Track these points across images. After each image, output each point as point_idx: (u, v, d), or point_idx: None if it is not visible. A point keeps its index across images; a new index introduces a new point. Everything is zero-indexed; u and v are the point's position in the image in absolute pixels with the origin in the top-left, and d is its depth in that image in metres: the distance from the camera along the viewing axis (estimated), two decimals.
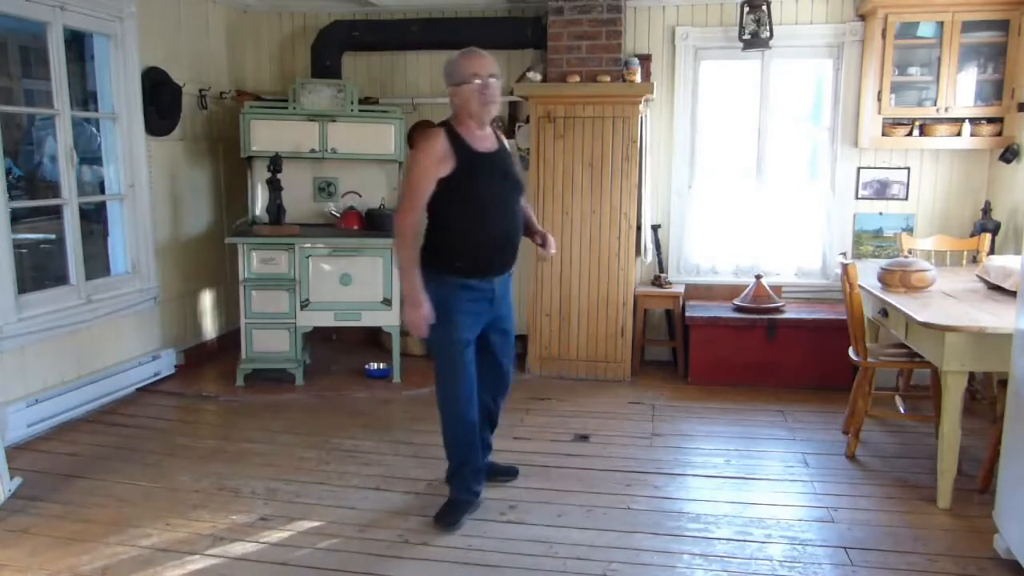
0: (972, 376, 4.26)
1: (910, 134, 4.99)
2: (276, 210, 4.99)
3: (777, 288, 5.34)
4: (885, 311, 3.84)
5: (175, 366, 5.22)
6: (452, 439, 3.30)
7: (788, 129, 5.46)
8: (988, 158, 5.07)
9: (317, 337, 5.50)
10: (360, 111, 5.23)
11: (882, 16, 4.80)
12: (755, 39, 5.06)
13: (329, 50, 5.55)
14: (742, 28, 5.08)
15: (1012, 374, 2.89)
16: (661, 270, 5.54)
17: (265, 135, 5.10)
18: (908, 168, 5.24)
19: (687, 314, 5.14)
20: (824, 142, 5.42)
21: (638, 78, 5.03)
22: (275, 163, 4.92)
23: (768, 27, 5.02)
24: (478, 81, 3.07)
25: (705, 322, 5.08)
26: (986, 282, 3.96)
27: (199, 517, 3.29)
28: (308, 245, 4.95)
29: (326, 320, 5.05)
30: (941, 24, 4.74)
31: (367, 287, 5.01)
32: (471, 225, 3.14)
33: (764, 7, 5.00)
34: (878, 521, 3.27)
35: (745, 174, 5.49)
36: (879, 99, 4.90)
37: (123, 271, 4.88)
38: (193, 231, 5.49)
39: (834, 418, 4.44)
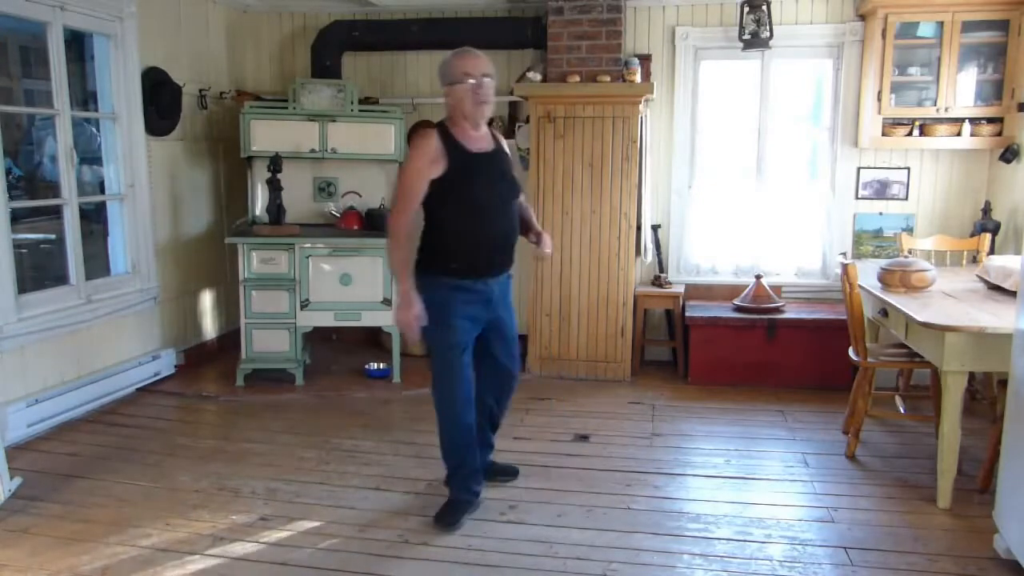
0: (972, 376, 4.26)
1: (910, 134, 4.99)
2: (276, 210, 4.99)
3: (777, 288, 5.35)
4: (885, 311, 3.84)
5: (175, 366, 5.22)
6: (449, 442, 3.29)
7: (788, 129, 5.46)
8: (988, 158, 5.07)
9: (317, 337, 5.50)
10: (360, 111, 5.23)
11: (882, 16, 4.80)
12: (755, 39, 5.06)
13: (329, 50, 5.55)
14: (742, 28, 5.08)
15: (1012, 374, 2.89)
16: (661, 270, 5.54)
17: (265, 135, 5.10)
18: (908, 168, 5.24)
19: (687, 314, 5.14)
20: (824, 142, 5.42)
21: (638, 78, 5.03)
22: (275, 163, 4.92)
23: (768, 27, 5.03)
24: (471, 81, 3.05)
25: (705, 322, 5.08)
26: (986, 282, 3.96)
27: (199, 517, 3.29)
28: (308, 245, 4.96)
29: (326, 320, 5.05)
30: (941, 24, 4.74)
31: (367, 287, 5.01)
32: (465, 226, 3.12)
33: (764, 7, 5.00)
34: (878, 521, 3.27)
35: (745, 174, 5.49)
36: (879, 99, 4.90)
37: (123, 271, 4.88)
38: (193, 231, 5.49)
39: (834, 418, 4.44)
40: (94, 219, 4.95)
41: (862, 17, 5.11)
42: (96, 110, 4.80)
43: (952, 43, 4.72)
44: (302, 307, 4.97)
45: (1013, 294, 3.51)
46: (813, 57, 5.32)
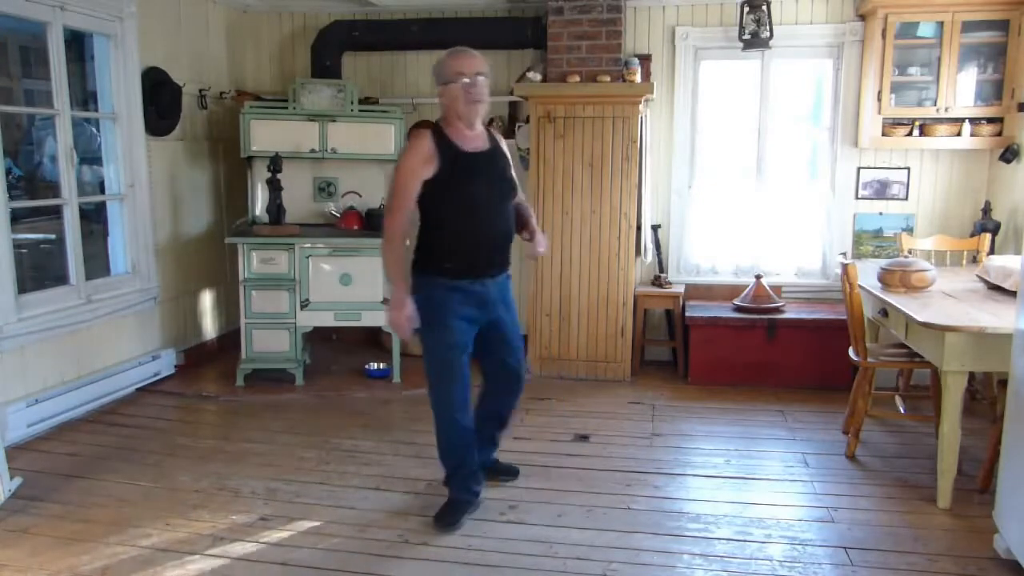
0: (972, 376, 4.26)
1: (910, 134, 4.99)
2: (276, 210, 4.99)
3: (777, 288, 5.34)
4: (885, 311, 3.84)
5: (175, 366, 5.22)
6: (446, 443, 3.28)
7: (788, 129, 5.46)
8: (988, 158, 5.07)
9: (317, 337, 5.50)
10: (360, 111, 5.23)
11: (882, 16, 4.80)
12: (755, 39, 5.06)
13: (329, 50, 5.56)
14: (742, 28, 5.08)
15: (1012, 374, 2.89)
16: (661, 270, 5.54)
17: (265, 135, 5.10)
18: (908, 168, 5.24)
19: (687, 314, 5.14)
20: (824, 142, 5.42)
21: (638, 78, 5.03)
22: (275, 163, 4.92)
23: (768, 27, 5.03)
24: (465, 80, 3.03)
25: (705, 322, 5.08)
26: (986, 282, 3.96)
27: (199, 517, 3.29)
28: (308, 245, 4.96)
29: (326, 320, 5.05)
30: (941, 24, 4.74)
31: (367, 287, 5.01)
32: (459, 226, 3.11)
33: (764, 7, 5.00)
34: (878, 521, 3.27)
35: (745, 174, 5.49)
36: (879, 99, 4.90)
37: (123, 271, 4.88)
38: (193, 231, 5.49)
39: (834, 418, 4.44)
40: (94, 219, 4.95)
41: (862, 17, 5.11)
42: (96, 110, 4.80)
43: (952, 43, 4.72)
44: (302, 307, 4.97)
45: (1013, 294, 3.51)
46: (813, 57, 5.32)
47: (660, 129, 5.45)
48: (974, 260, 4.67)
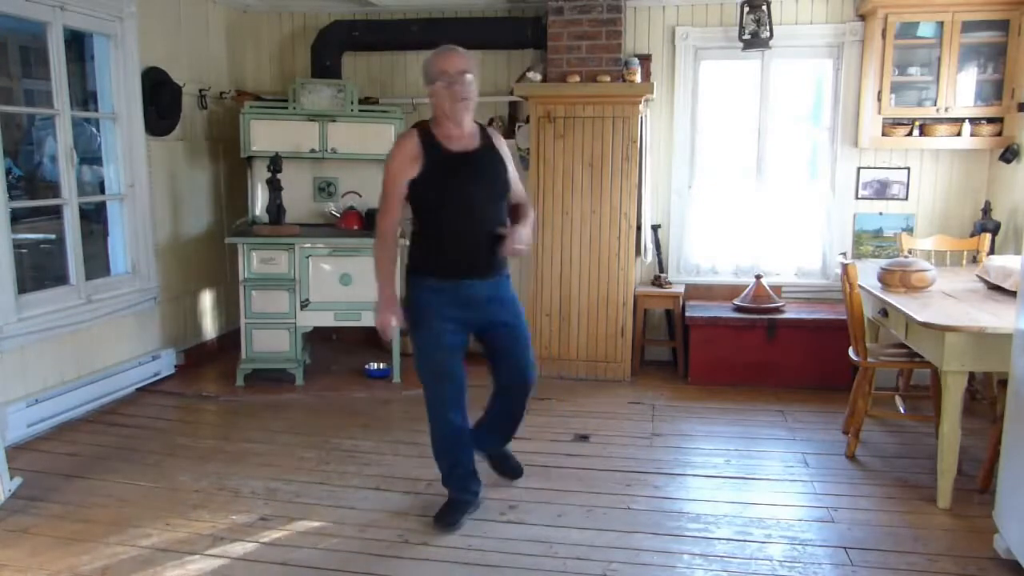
0: (972, 376, 4.26)
1: (910, 134, 4.99)
2: (276, 210, 4.99)
3: (777, 288, 5.34)
4: (885, 311, 3.84)
5: (175, 366, 5.22)
6: (440, 443, 3.28)
7: (788, 129, 5.46)
8: (988, 158, 5.07)
9: (317, 337, 5.50)
10: (360, 111, 5.23)
11: (882, 16, 4.80)
12: (755, 39, 5.06)
13: (329, 50, 5.55)
14: (742, 28, 5.08)
15: (1012, 374, 2.89)
16: (661, 270, 5.54)
17: (265, 135, 5.10)
18: (908, 168, 5.24)
19: (687, 314, 5.14)
20: (824, 142, 5.42)
21: (638, 78, 5.03)
22: (275, 163, 4.92)
23: (768, 27, 5.03)
24: (448, 78, 3.01)
25: (705, 322, 5.08)
26: (986, 282, 3.96)
27: (199, 517, 3.29)
28: (308, 245, 4.96)
29: (326, 320, 5.05)
30: (941, 24, 4.74)
31: (367, 287, 4.96)
32: (443, 226, 3.09)
33: (764, 7, 5.00)
34: (878, 521, 3.27)
35: (745, 174, 5.49)
36: (879, 99, 4.90)
37: (123, 271, 4.88)
38: (193, 231, 5.49)
39: (834, 418, 4.44)
40: (94, 219, 4.95)
41: (862, 17, 5.11)
42: (96, 110, 4.80)
43: (952, 43, 4.72)
44: (302, 307, 4.97)
45: (1013, 294, 3.51)
46: (813, 57, 5.32)
47: (660, 129, 5.45)
48: (974, 260, 4.67)
